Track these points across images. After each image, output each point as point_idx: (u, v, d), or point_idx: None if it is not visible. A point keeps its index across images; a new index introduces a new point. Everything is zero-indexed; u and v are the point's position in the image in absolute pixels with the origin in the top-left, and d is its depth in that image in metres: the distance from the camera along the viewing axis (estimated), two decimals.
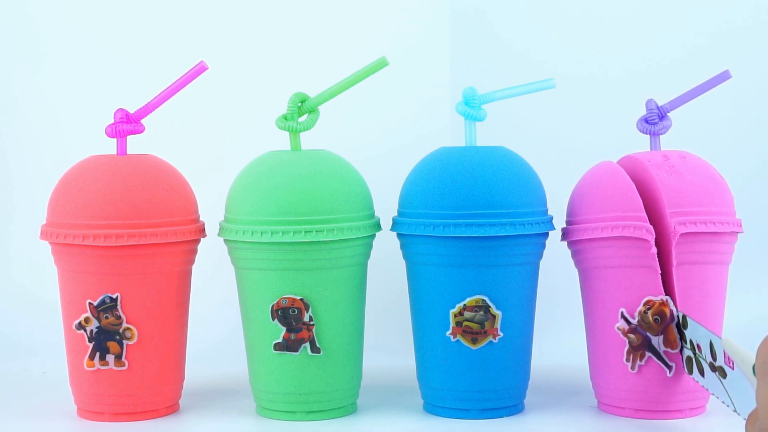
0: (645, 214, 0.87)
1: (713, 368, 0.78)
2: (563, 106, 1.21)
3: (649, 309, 0.87)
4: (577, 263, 0.92)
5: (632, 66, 1.23)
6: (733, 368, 0.74)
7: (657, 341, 0.87)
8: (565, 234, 0.92)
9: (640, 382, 0.88)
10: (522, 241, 0.89)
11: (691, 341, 0.82)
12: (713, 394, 0.79)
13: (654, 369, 0.88)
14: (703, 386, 0.81)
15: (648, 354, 0.87)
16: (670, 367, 0.87)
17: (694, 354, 0.81)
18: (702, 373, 0.81)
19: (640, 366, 0.88)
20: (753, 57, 1.23)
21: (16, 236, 1.25)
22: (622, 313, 0.88)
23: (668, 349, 0.87)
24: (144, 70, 1.23)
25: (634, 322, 0.87)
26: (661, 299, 0.86)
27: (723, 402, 0.77)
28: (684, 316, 0.82)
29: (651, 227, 0.86)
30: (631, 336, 0.87)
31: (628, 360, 0.88)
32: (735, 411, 0.76)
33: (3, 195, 1.26)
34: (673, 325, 0.86)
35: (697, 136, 1.16)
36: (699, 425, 0.87)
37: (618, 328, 0.88)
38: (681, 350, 0.85)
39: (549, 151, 1.16)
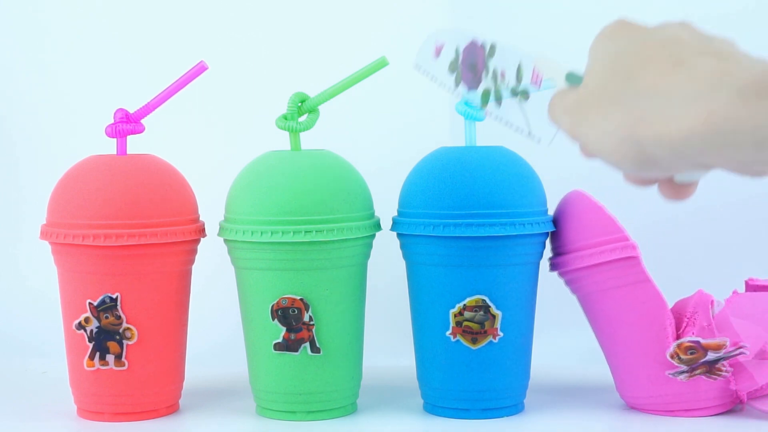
0: (625, 233, 0.87)
1: (515, 93, 0.73)
2: None
3: (678, 353, 0.87)
4: (576, 290, 0.93)
5: None
6: (539, 86, 0.70)
7: (711, 355, 0.87)
8: (554, 266, 0.93)
9: (690, 384, 0.89)
10: (522, 241, 0.89)
11: (494, 70, 0.75)
12: (504, 123, 0.73)
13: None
14: (496, 117, 0.75)
15: (706, 368, 0.88)
16: (727, 374, 0.88)
17: (495, 83, 0.75)
18: (499, 102, 0.75)
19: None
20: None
21: (16, 236, 1.25)
22: (668, 358, 0.88)
23: (719, 353, 0.87)
24: (144, 70, 1.23)
25: (684, 367, 0.88)
26: (676, 345, 0.87)
27: (516, 128, 0.72)
28: (493, 44, 0.76)
29: (634, 243, 0.87)
30: (698, 372, 0.88)
31: (686, 379, 0.89)
32: (529, 134, 0.72)
33: (3, 195, 1.26)
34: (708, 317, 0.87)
35: None
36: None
37: (670, 374, 0.88)
38: (477, 85, 0.78)
39: (548, 151, 1.16)
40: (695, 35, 0.53)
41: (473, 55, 0.77)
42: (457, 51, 0.79)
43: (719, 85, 0.47)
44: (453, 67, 0.80)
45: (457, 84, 0.79)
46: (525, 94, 0.71)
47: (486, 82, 0.76)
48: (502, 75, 0.74)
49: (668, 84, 0.49)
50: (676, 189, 0.55)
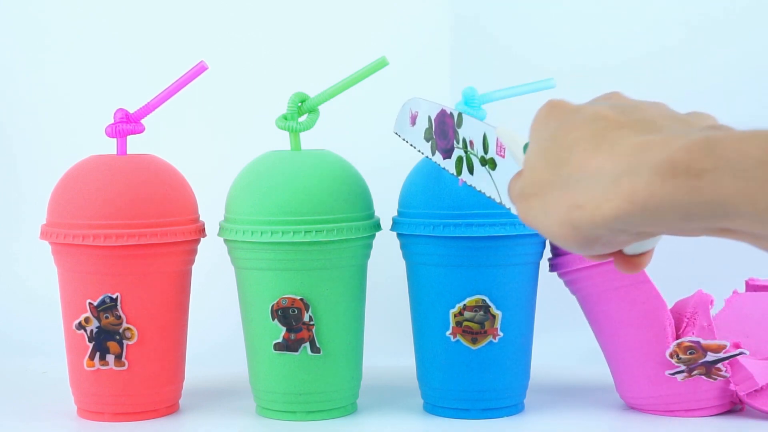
0: None
1: (483, 162, 0.74)
2: None
3: (677, 352, 0.87)
4: (576, 291, 0.93)
5: (630, 65, 1.24)
6: (504, 156, 0.70)
7: (711, 356, 0.87)
8: (554, 267, 0.93)
9: (690, 384, 0.89)
10: (522, 241, 0.89)
11: (464, 139, 0.77)
12: (479, 190, 0.75)
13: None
14: (470, 184, 0.77)
15: (705, 369, 0.88)
16: (726, 375, 0.88)
17: (466, 152, 0.77)
18: (471, 170, 0.76)
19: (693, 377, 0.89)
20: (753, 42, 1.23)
21: (16, 236, 1.25)
22: (667, 357, 0.88)
23: (718, 354, 0.87)
24: (144, 70, 1.23)
25: (683, 367, 0.88)
26: (676, 344, 0.87)
27: (489, 196, 0.73)
28: (460, 114, 0.77)
29: None
30: (696, 373, 0.88)
31: (683, 379, 0.89)
32: (501, 202, 0.72)
33: (4, 195, 1.26)
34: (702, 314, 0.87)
35: None
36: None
37: (669, 374, 0.88)
38: (451, 153, 0.80)
39: None
40: (619, 106, 0.54)
41: (443, 123, 0.79)
42: (429, 119, 0.81)
43: (637, 164, 0.49)
44: (428, 136, 0.82)
45: (433, 152, 0.81)
46: (493, 164, 0.72)
47: (458, 151, 0.78)
48: (471, 144, 0.75)
49: (592, 165, 0.51)
50: (629, 261, 0.56)
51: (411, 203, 0.91)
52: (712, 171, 0.46)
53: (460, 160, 0.78)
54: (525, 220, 0.56)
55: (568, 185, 0.52)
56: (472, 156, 0.75)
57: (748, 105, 1.23)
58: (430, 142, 0.82)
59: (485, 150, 0.73)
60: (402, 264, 0.94)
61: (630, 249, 0.56)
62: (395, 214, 0.94)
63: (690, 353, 0.87)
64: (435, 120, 0.81)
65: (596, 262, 0.59)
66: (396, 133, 0.86)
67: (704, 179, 0.46)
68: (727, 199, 0.46)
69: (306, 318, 0.88)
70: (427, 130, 0.82)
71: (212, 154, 1.21)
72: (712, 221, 0.48)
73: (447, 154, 0.79)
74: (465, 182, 0.76)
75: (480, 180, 0.75)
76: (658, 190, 0.48)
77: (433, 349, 0.91)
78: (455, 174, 0.78)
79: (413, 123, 0.85)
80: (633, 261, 0.56)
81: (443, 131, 0.79)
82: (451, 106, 1.17)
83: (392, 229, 0.93)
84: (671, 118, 0.52)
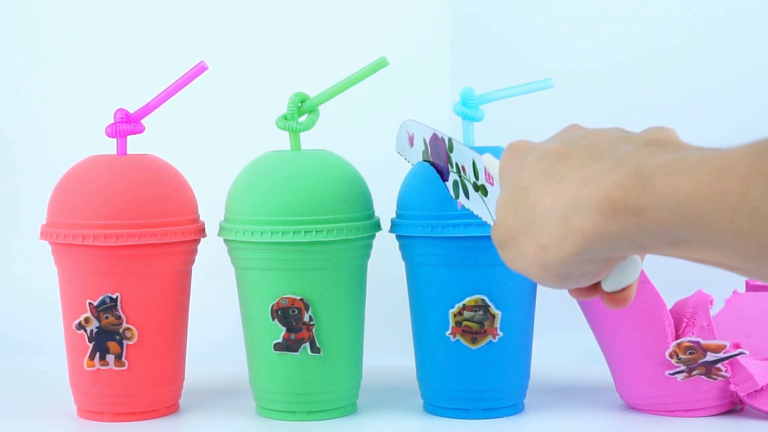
0: None
1: (476, 188, 0.75)
2: (562, 106, 1.21)
3: (677, 352, 0.87)
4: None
5: (630, 65, 1.24)
6: (493, 184, 0.71)
7: (710, 356, 0.87)
8: None
9: (690, 384, 0.89)
10: None
11: (457, 164, 0.78)
12: (477, 214, 0.76)
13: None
14: (468, 208, 0.78)
15: (705, 369, 0.88)
16: (726, 375, 0.88)
17: (460, 176, 0.78)
18: (467, 194, 0.77)
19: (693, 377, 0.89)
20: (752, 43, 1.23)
21: (16, 236, 1.25)
22: (667, 357, 0.88)
23: (718, 354, 0.87)
24: (144, 70, 1.23)
25: (683, 367, 0.88)
26: (676, 344, 0.87)
27: (486, 221, 0.74)
28: (450, 139, 0.78)
29: None
30: (696, 373, 0.88)
31: (683, 379, 0.89)
32: None
33: (4, 195, 1.26)
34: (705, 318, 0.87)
35: None
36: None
37: (668, 374, 0.88)
38: (448, 176, 0.81)
39: None
40: (569, 138, 0.54)
41: (437, 147, 0.80)
42: (425, 142, 0.81)
43: (580, 202, 0.50)
44: (425, 157, 0.82)
45: None
46: (484, 190, 0.73)
47: (453, 175, 0.78)
48: (464, 169, 0.76)
49: (545, 204, 0.52)
50: (613, 298, 0.57)
51: (409, 205, 0.91)
52: (649, 208, 0.47)
53: (456, 183, 0.79)
54: (510, 267, 0.58)
55: (530, 227, 0.53)
56: (465, 181, 0.76)
57: (748, 105, 1.23)
58: (428, 164, 0.83)
59: (476, 176, 0.73)
60: (402, 264, 0.94)
61: (611, 286, 0.56)
62: (394, 214, 0.93)
63: (690, 353, 0.87)
64: (429, 143, 0.81)
65: (584, 299, 0.60)
66: (398, 153, 0.87)
67: (643, 216, 0.47)
68: (672, 231, 0.47)
69: (306, 318, 0.88)
70: (424, 152, 0.83)
71: (212, 154, 1.21)
72: (669, 249, 0.49)
73: (444, 176, 0.80)
74: (463, 206, 0.77)
75: (476, 205, 0.76)
76: (605, 227, 0.49)
77: (433, 349, 0.91)
78: (453, 197, 0.78)
79: (411, 144, 0.86)
80: (617, 297, 0.57)
81: (438, 155, 0.80)
82: (450, 106, 1.17)
83: (391, 230, 0.93)
84: (619, 140, 0.52)
